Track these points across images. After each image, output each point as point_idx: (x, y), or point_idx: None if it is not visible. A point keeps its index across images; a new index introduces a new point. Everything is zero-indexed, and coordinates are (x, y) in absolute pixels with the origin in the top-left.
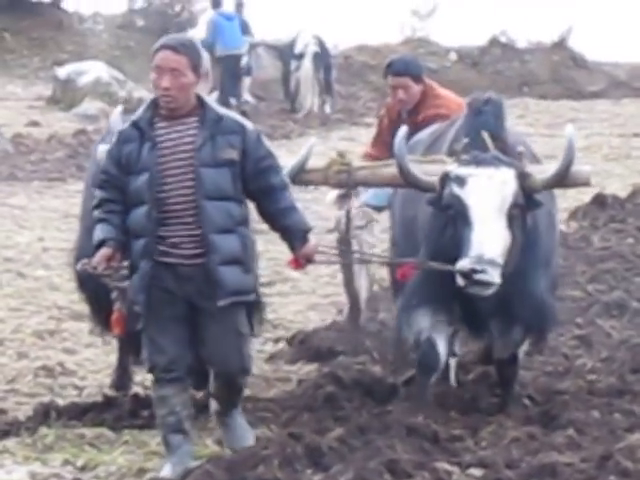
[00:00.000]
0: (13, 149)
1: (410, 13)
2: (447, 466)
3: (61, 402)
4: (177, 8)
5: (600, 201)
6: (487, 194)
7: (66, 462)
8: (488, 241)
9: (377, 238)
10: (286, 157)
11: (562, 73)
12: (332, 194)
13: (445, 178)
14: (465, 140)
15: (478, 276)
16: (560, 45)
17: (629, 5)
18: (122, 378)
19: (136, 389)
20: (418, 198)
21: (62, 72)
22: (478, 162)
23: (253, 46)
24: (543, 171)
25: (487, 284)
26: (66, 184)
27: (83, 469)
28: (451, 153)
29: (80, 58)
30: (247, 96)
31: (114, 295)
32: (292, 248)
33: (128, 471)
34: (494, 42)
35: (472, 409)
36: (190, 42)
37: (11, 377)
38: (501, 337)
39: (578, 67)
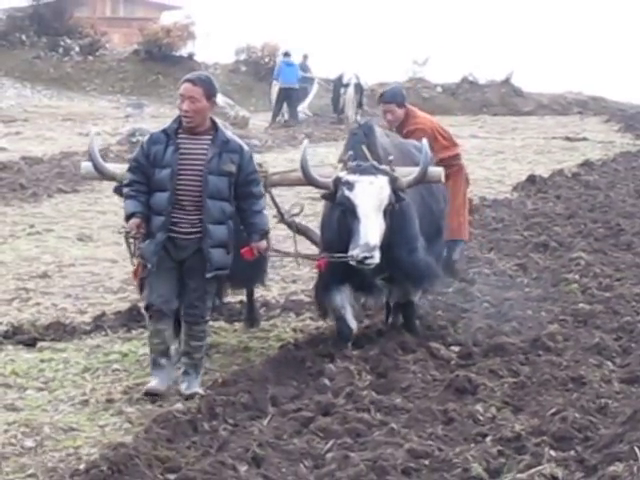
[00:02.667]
0: None
1: (411, 62)
2: (436, 344)
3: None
4: (266, 59)
5: (532, 179)
6: (369, 196)
7: None
8: (371, 232)
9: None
10: (334, 156)
11: (507, 100)
12: None
13: (337, 182)
14: (350, 152)
15: (367, 260)
16: (506, 82)
17: (552, 51)
18: None
19: None
20: None
21: None
22: (361, 171)
23: (311, 81)
24: (409, 173)
25: (371, 264)
26: None
27: (209, 347)
28: (340, 161)
29: None
30: (306, 112)
31: (138, 253)
32: (250, 239)
33: (238, 348)
34: (464, 80)
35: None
36: (206, 77)
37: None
38: (395, 289)
39: (517, 95)
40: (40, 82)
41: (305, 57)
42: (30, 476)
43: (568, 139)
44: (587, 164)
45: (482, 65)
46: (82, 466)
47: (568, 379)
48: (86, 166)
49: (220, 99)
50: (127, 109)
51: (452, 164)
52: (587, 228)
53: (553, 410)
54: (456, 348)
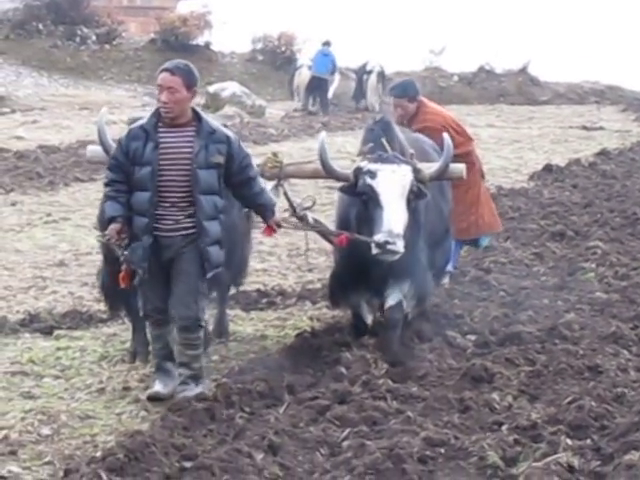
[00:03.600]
0: None
1: (428, 51)
2: (452, 333)
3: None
4: (283, 48)
5: (548, 168)
6: (392, 184)
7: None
8: (395, 219)
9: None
10: (350, 145)
11: (524, 89)
12: (267, 186)
13: (358, 171)
14: (370, 144)
15: (390, 246)
16: (523, 71)
17: (568, 40)
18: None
19: None
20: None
21: (211, 88)
22: (383, 160)
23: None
24: (429, 167)
25: (395, 252)
26: None
27: None
28: (359, 154)
29: (222, 80)
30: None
31: (122, 259)
32: (265, 219)
33: (254, 336)
34: (481, 69)
35: None
36: (185, 66)
37: None
38: (390, 294)
39: (534, 85)
40: (57, 71)
41: (327, 44)
42: (47, 463)
43: (585, 128)
44: (604, 153)
45: (499, 54)
46: (99, 454)
47: (584, 368)
48: (93, 149)
49: (237, 88)
50: (144, 98)
51: (465, 161)
52: (604, 217)
53: (569, 399)
54: (472, 337)
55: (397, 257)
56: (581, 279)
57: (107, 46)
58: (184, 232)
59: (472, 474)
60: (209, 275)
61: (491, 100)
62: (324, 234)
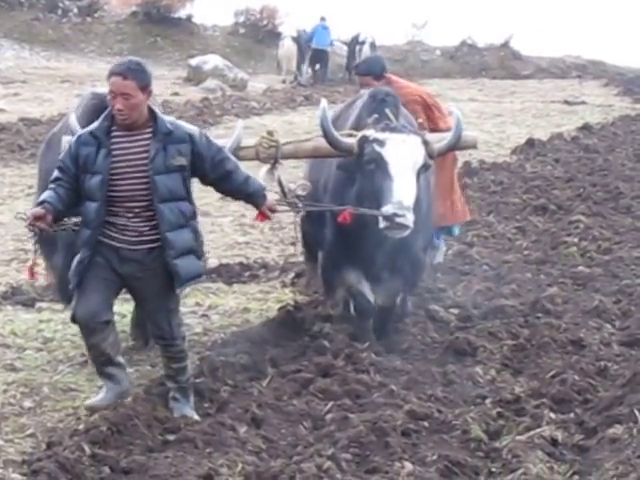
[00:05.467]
0: (162, 110)
1: (411, 25)
2: (435, 307)
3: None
4: (265, 22)
5: (530, 142)
6: (403, 153)
7: (197, 304)
8: (405, 191)
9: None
10: None
11: (506, 63)
12: (263, 169)
13: (364, 141)
14: (375, 115)
15: (399, 219)
16: (505, 45)
17: (551, 15)
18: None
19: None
20: (322, 166)
21: (193, 62)
22: (392, 129)
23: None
24: (440, 139)
25: (404, 227)
26: None
27: (208, 308)
28: (357, 127)
29: (204, 53)
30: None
31: (34, 248)
32: (257, 206)
33: (237, 309)
34: (463, 43)
35: None
36: (137, 65)
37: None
38: (385, 286)
39: (516, 59)
40: (38, 43)
41: (322, 18)
42: (29, 436)
43: (567, 103)
44: (586, 128)
45: (481, 28)
46: (81, 426)
47: (567, 342)
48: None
49: (219, 61)
50: None
51: None
52: (586, 191)
53: (552, 372)
54: (455, 310)
55: (407, 232)
56: (564, 253)
57: (89, 19)
58: (150, 245)
59: (455, 447)
60: (179, 290)
61: (473, 74)
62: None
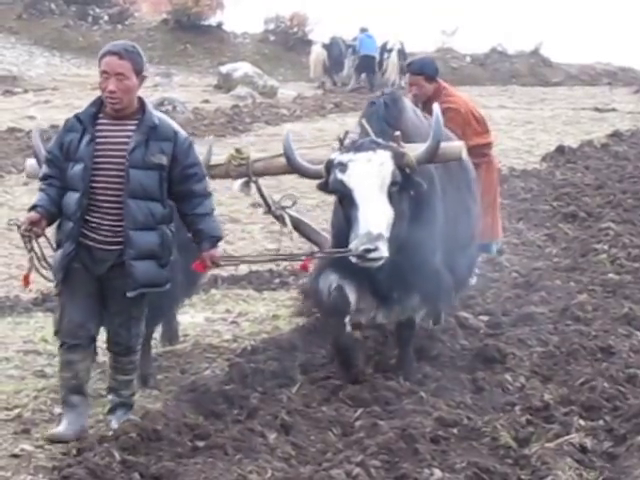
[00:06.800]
0: (193, 117)
1: (441, 32)
2: (465, 314)
3: (224, 274)
4: (295, 29)
5: (561, 150)
6: (367, 176)
7: (227, 311)
8: (373, 218)
9: (305, 213)
10: None
11: (536, 70)
12: (237, 183)
13: (329, 165)
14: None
15: (371, 255)
16: (535, 52)
17: (581, 22)
18: None
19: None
20: None
21: (223, 69)
22: (357, 148)
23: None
24: (417, 148)
25: (377, 260)
26: (225, 139)
27: (238, 315)
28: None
29: (234, 60)
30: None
31: (29, 255)
32: (200, 249)
33: (266, 316)
34: (493, 50)
35: None
36: (133, 48)
37: None
38: (399, 302)
39: (546, 66)
40: (69, 51)
41: (363, 30)
42: (60, 442)
43: (597, 110)
44: (616, 135)
45: (511, 35)
46: (111, 433)
47: (597, 349)
48: (32, 164)
49: (249, 68)
50: (156, 78)
51: (484, 153)
52: (616, 198)
53: (582, 380)
54: (485, 317)
55: (381, 262)
56: (593, 260)
57: (119, 26)
58: (121, 246)
59: (484, 454)
60: (131, 294)
61: (503, 81)
62: (291, 257)
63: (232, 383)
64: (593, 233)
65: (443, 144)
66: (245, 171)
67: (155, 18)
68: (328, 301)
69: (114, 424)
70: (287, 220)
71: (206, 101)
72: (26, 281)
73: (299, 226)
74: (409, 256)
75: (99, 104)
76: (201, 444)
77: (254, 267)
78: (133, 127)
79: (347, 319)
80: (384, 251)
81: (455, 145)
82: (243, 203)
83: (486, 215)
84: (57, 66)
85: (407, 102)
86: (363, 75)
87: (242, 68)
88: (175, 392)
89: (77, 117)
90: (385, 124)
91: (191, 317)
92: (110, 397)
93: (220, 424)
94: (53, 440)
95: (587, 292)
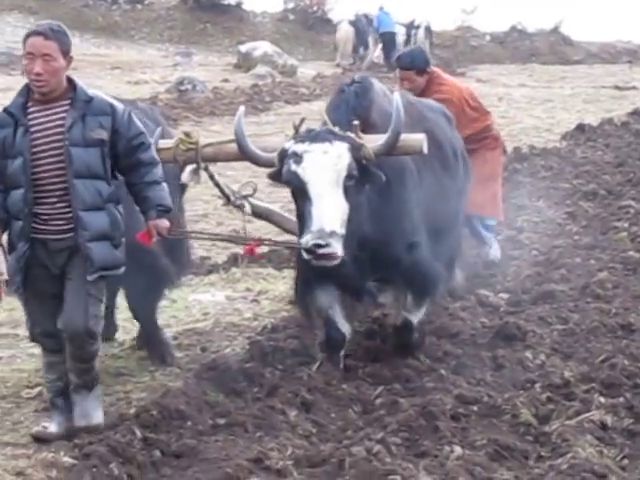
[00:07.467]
0: (212, 96)
1: (460, 10)
2: (485, 292)
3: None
4: (315, 8)
5: (581, 128)
6: (322, 169)
7: (248, 289)
8: (327, 214)
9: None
10: None
11: (556, 48)
12: (186, 169)
13: (283, 154)
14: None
15: (321, 250)
16: (555, 30)
17: (601, 1)
18: None
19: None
20: None
21: (243, 48)
22: (312, 138)
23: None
24: (376, 140)
25: (332, 257)
26: (245, 117)
27: (258, 294)
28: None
29: (254, 39)
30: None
31: None
32: (145, 218)
33: (287, 295)
34: (513, 28)
35: None
36: (59, 27)
37: None
38: (389, 301)
39: (566, 44)
40: (89, 31)
41: (381, 8)
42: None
43: (617, 88)
44: (636, 113)
45: (531, 13)
46: (132, 410)
47: (617, 326)
48: None
49: (268, 47)
50: (175, 57)
51: (484, 136)
52: (636, 176)
53: (602, 357)
54: (505, 295)
55: (335, 262)
56: (614, 238)
57: (139, 6)
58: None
59: (505, 431)
60: (91, 278)
61: (523, 60)
62: (240, 239)
63: (252, 361)
64: (613, 211)
65: (403, 136)
66: (194, 156)
67: None
68: (325, 335)
69: (78, 419)
70: (247, 209)
71: (226, 80)
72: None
73: (270, 216)
74: (400, 245)
75: (26, 93)
76: (222, 422)
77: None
78: (66, 107)
79: (342, 352)
80: (337, 248)
81: (416, 138)
82: (262, 182)
83: (485, 187)
84: (76, 46)
85: (379, 89)
86: (377, 52)
87: (261, 47)
88: (196, 370)
89: (7, 110)
90: (353, 115)
91: (212, 296)
92: (71, 377)
93: (240, 402)
94: (36, 438)
95: (607, 270)
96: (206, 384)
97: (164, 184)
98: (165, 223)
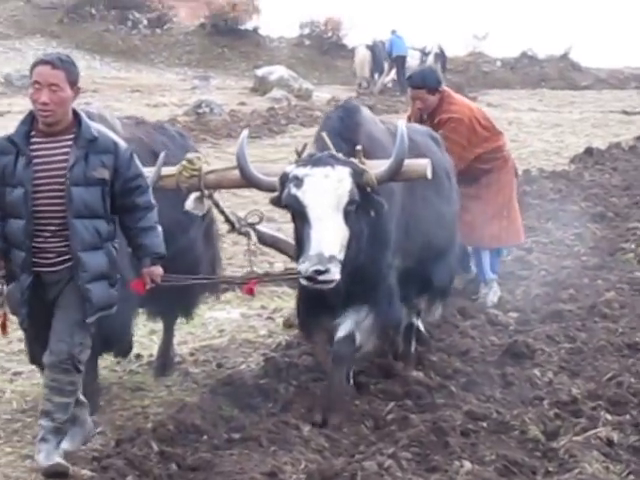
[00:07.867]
0: (229, 119)
1: (472, 36)
2: (495, 311)
3: (259, 270)
4: (329, 34)
5: (589, 151)
6: (323, 193)
7: (262, 307)
8: (326, 239)
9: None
10: None
11: (565, 74)
12: (190, 199)
13: (284, 179)
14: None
15: (322, 277)
16: (564, 56)
17: (610, 26)
18: None
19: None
20: None
21: (259, 72)
22: (314, 162)
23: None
24: (379, 166)
25: (328, 282)
26: (262, 140)
27: (273, 311)
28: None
29: (270, 64)
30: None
31: (1, 300)
32: (141, 264)
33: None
34: (524, 54)
35: None
36: (67, 58)
37: (229, 255)
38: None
39: (575, 70)
40: (109, 54)
41: (393, 31)
42: (99, 433)
43: (625, 113)
44: None
45: (541, 40)
46: (149, 425)
47: (624, 345)
48: None
49: (284, 72)
50: (194, 81)
51: (495, 157)
52: None
53: (609, 375)
54: (514, 314)
55: (331, 286)
56: (621, 259)
57: (158, 30)
58: (70, 264)
59: (513, 447)
60: (90, 320)
61: (533, 85)
62: (237, 280)
63: (267, 377)
64: (621, 233)
65: (407, 162)
66: (197, 183)
67: (193, 22)
68: (333, 349)
69: (42, 459)
70: (253, 237)
71: (242, 103)
72: (3, 327)
73: (276, 243)
74: (365, 273)
75: (30, 122)
76: (237, 436)
77: (290, 264)
78: (70, 142)
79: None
80: (335, 273)
81: (420, 163)
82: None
83: (501, 217)
84: (97, 69)
85: (365, 114)
86: (390, 76)
87: (278, 71)
88: (211, 385)
89: (9, 138)
90: (340, 139)
91: (227, 313)
92: (41, 421)
93: (255, 417)
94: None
95: (614, 290)
96: (222, 399)
97: (159, 229)
98: (159, 270)
